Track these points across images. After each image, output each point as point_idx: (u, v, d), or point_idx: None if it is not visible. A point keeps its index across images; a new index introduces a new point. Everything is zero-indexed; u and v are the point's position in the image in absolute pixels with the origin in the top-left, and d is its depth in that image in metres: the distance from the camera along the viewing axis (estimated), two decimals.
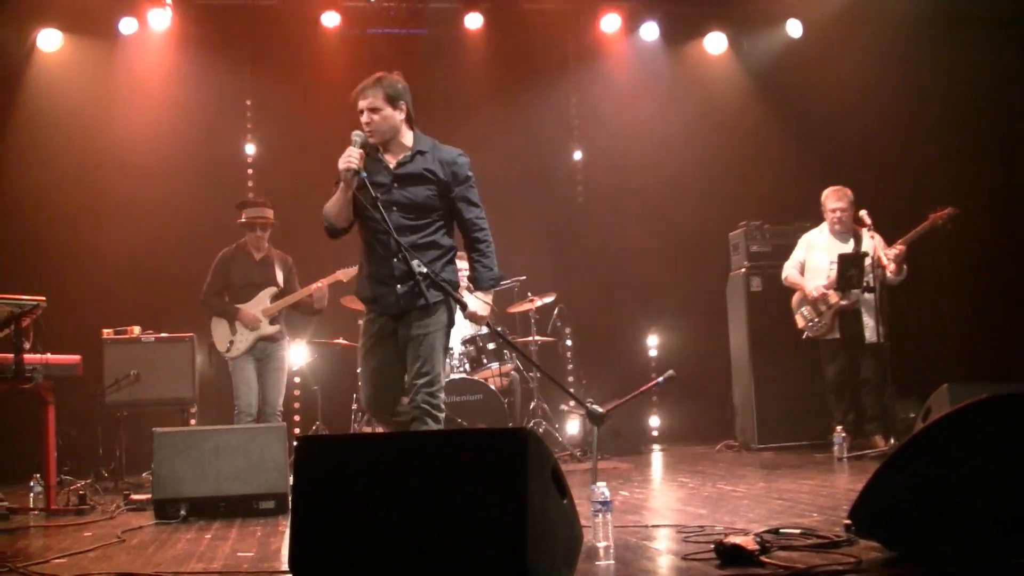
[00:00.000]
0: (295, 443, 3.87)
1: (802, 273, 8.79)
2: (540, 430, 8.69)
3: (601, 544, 4.14)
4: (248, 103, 10.71)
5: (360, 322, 5.55)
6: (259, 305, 7.92)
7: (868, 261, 8.15)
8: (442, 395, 5.28)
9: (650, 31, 11.18)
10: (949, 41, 10.25)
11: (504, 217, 10.63)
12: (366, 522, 3.49)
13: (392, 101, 5.29)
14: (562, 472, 3.65)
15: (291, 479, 6.19)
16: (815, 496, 5.88)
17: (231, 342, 7.89)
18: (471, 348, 8.78)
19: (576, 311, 9.75)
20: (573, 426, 9.58)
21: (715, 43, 11.29)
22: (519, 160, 10.72)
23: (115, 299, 9.62)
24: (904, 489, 3.72)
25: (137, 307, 9.25)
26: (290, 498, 5.95)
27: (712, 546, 3.98)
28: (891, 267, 8.14)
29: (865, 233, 8.33)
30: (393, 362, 5.31)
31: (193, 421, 8.60)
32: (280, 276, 8.03)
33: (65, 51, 10.15)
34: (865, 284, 8.16)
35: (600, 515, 4.21)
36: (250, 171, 10.69)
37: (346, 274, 7.65)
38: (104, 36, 10.24)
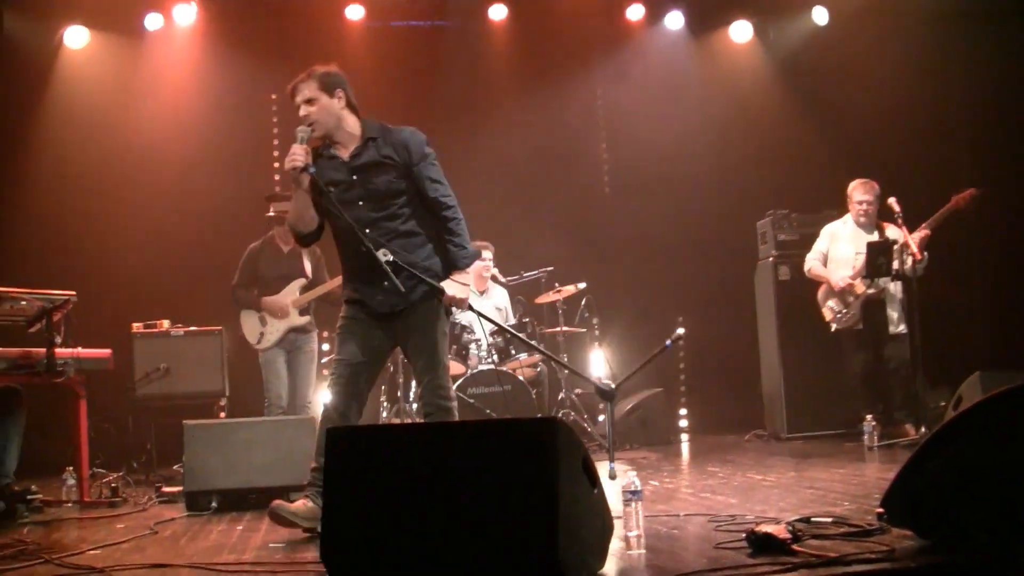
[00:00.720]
0: (325, 435, 3.87)
1: (825, 264, 8.75)
2: (569, 420, 8.69)
3: (632, 533, 4.13)
4: (273, 97, 10.72)
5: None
6: (288, 297, 7.95)
7: (896, 249, 8.09)
8: (450, 384, 5.20)
9: (675, 20, 11.17)
10: (975, 28, 10.14)
11: (530, 208, 10.72)
12: (397, 512, 3.50)
13: (328, 89, 5.08)
14: (592, 462, 3.65)
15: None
16: (846, 485, 5.86)
17: (261, 334, 7.92)
18: (500, 339, 8.78)
19: (603, 301, 9.72)
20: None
21: (740, 31, 11.26)
22: (544, 151, 10.71)
23: (144, 293, 9.68)
24: (938, 477, 3.69)
25: (166, 301, 9.31)
26: None
27: (743, 535, 3.96)
28: (919, 254, 8.08)
29: (890, 225, 8.30)
30: (363, 366, 5.12)
31: (223, 414, 8.64)
32: (309, 267, 8.06)
33: (92, 47, 10.22)
34: (895, 271, 8.12)
35: (631, 504, 4.20)
36: (276, 164, 10.71)
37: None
38: (130, 32, 10.30)
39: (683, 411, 10.90)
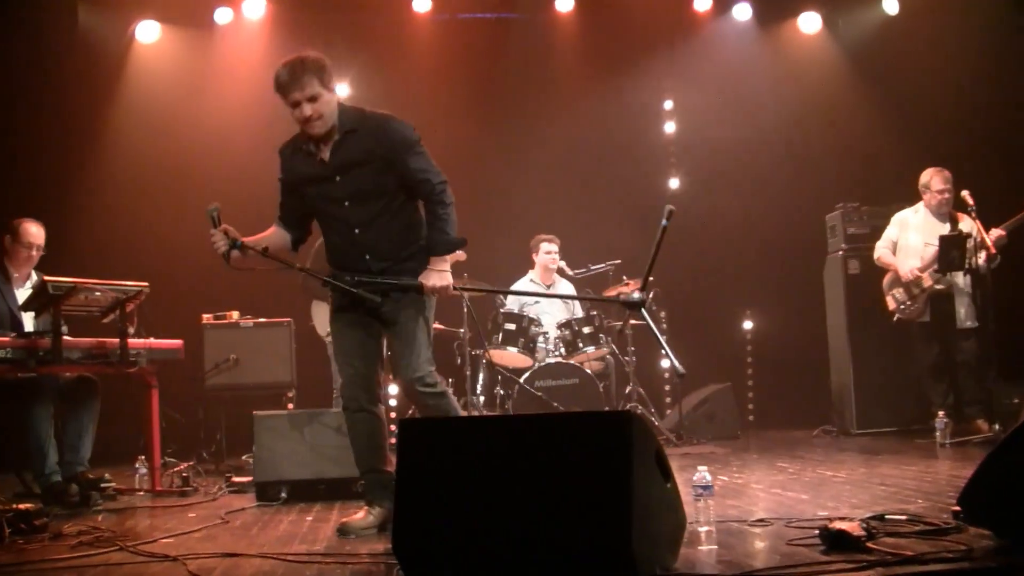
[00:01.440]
0: (398, 426, 3.88)
1: (894, 253, 8.63)
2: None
3: (703, 528, 4.12)
4: (342, 87, 10.77)
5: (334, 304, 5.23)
6: None
7: (970, 243, 7.96)
8: (433, 376, 4.96)
9: (743, 11, 11.07)
10: None
11: (598, 201, 10.71)
12: (469, 505, 3.50)
13: (328, 83, 4.80)
14: (665, 455, 3.63)
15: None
16: (919, 482, 5.77)
17: None
18: (567, 332, 8.77)
19: (671, 294, 9.66)
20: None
21: (809, 22, 11.15)
22: (611, 144, 10.69)
23: (214, 284, 9.76)
24: (1018, 475, 3.63)
25: (236, 292, 9.39)
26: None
27: (816, 531, 3.91)
28: (993, 250, 7.93)
29: (964, 217, 8.16)
30: (364, 348, 5.03)
31: (291, 405, 8.71)
32: None
33: (163, 42, 10.37)
34: (967, 265, 7.98)
35: (702, 499, 4.18)
36: None
37: (454, 257, 7.60)
38: (200, 26, 10.43)
39: (750, 406, 10.81)
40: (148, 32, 10.27)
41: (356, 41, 10.59)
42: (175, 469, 7.35)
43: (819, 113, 10.86)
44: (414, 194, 4.94)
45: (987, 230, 7.96)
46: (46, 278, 6.13)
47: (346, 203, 4.86)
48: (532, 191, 10.50)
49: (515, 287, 9.28)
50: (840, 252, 9.38)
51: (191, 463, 7.84)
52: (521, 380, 8.40)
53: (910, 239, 8.56)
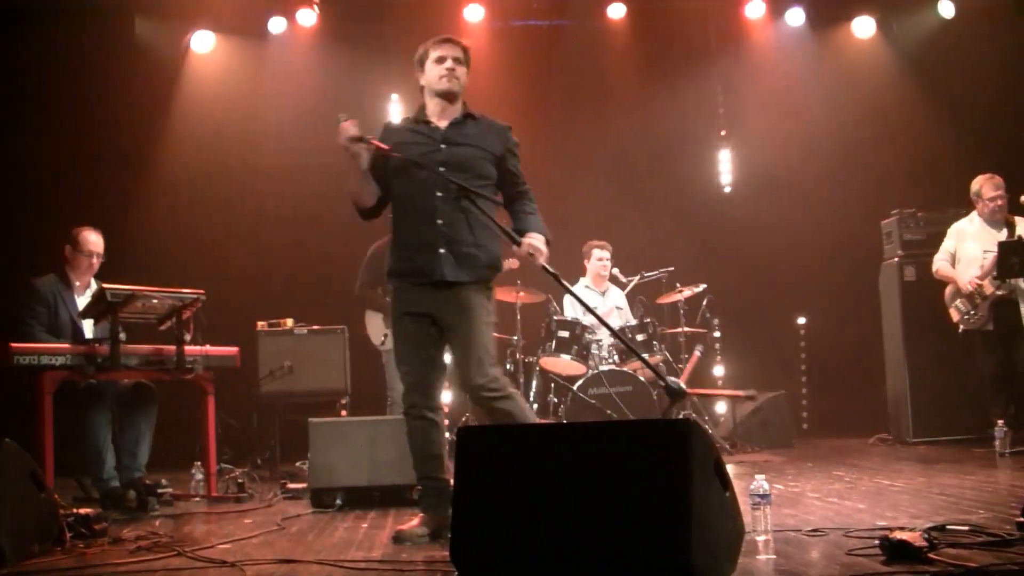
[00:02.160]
0: (456, 434, 3.88)
1: (953, 264, 8.51)
2: None
3: (761, 538, 4.07)
4: (394, 97, 10.84)
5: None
6: None
7: None
8: (499, 380, 4.96)
9: (795, 16, 11.01)
10: None
11: (651, 207, 10.69)
12: (526, 513, 3.48)
13: (467, 62, 5.20)
14: (724, 464, 3.60)
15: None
16: (979, 492, 5.69)
17: (385, 335, 8.00)
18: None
19: (725, 301, 9.61)
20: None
21: (863, 27, 11.08)
22: (664, 150, 10.67)
23: (269, 292, 9.89)
24: None
25: (290, 299, 9.48)
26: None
27: (876, 541, 3.87)
28: None
29: (1020, 221, 8.05)
30: (426, 354, 5.03)
31: (344, 412, 8.75)
32: None
33: (217, 52, 10.53)
34: None
35: (759, 508, 4.14)
36: None
37: (508, 264, 7.60)
38: (254, 36, 10.55)
39: (804, 414, 10.72)
40: (203, 42, 10.42)
41: (409, 50, 10.59)
42: (230, 475, 7.40)
43: (874, 118, 10.78)
44: (502, 188, 5.15)
45: None
46: (104, 285, 6.20)
47: (441, 168, 4.95)
48: (585, 197, 10.49)
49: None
50: (896, 259, 9.27)
51: (246, 469, 7.89)
52: (575, 387, 8.38)
53: (968, 248, 8.42)
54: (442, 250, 4.92)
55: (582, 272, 9.42)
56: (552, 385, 8.69)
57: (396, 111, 10.66)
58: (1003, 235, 8.19)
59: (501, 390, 4.93)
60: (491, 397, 4.90)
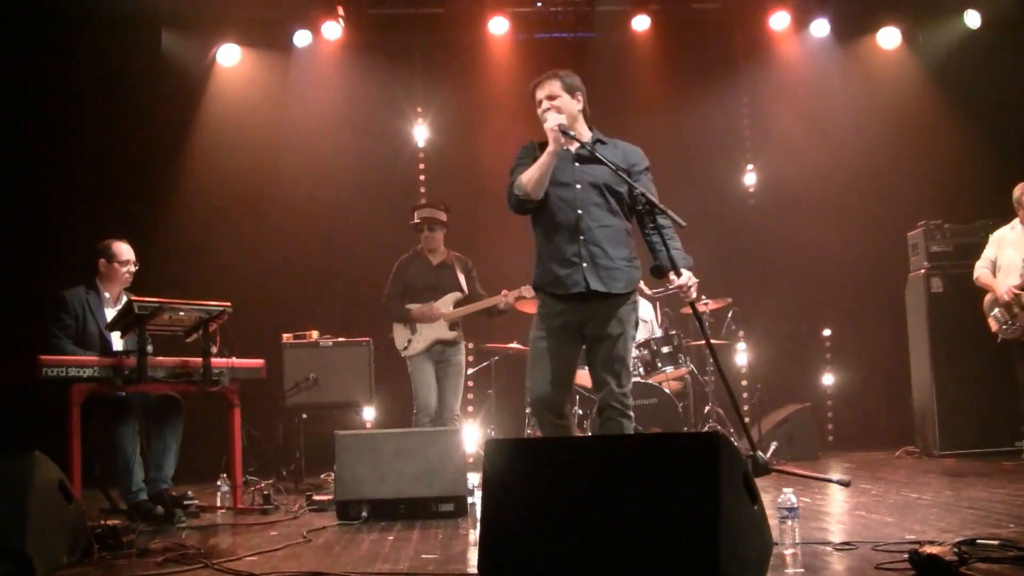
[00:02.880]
0: (483, 447, 3.88)
1: (994, 272, 8.43)
2: None
3: (788, 551, 4.05)
4: (419, 110, 10.87)
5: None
6: (443, 307, 8.02)
7: None
8: (631, 397, 5.18)
9: (820, 28, 10.96)
10: None
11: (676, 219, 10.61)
12: (555, 526, 3.48)
13: (570, 90, 5.28)
14: (752, 477, 3.58)
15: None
16: (1009, 506, 5.64)
17: (409, 341, 8.00)
18: (645, 352, 8.71)
19: (750, 313, 9.57)
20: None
21: (888, 38, 11.02)
22: (689, 162, 10.62)
23: (294, 304, 9.92)
24: None
25: (315, 312, 9.50)
26: (469, 501, 6.03)
27: (905, 556, 3.84)
28: None
29: None
30: (571, 358, 5.22)
31: (368, 424, 8.76)
32: (462, 279, 8.11)
33: (243, 65, 10.58)
34: None
35: (787, 521, 4.11)
36: (422, 177, 10.86)
37: (530, 291, 7.61)
38: (280, 49, 10.60)
39: (830, 426, 10.67)
40: (229, 55, 10.48)
41: (434, 63, 10.70)
42: (256, 487, 7.41)
43: (900, 129, 10.72)
44: (636, 215, 5.36)
45: None
46: (132, 298, 6.22)
47: (577, 185, 5.18)
48: None
49: None
50: (923, 270, 9.22)
51: (271, 481, 7.90)
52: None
53: (1008, 256, 8.32)
54: (585, 265, 5.11)
55: None
56: (577, 398, 8.66)
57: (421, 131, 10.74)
58: None
59: (629, 408, 5.13)
60: (619, 410, 5.09)
